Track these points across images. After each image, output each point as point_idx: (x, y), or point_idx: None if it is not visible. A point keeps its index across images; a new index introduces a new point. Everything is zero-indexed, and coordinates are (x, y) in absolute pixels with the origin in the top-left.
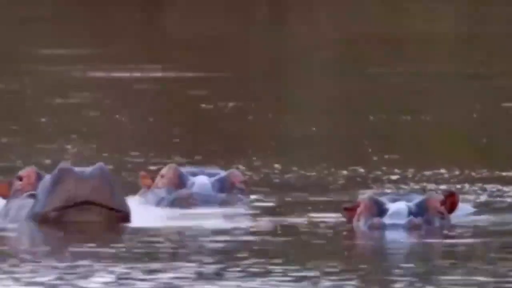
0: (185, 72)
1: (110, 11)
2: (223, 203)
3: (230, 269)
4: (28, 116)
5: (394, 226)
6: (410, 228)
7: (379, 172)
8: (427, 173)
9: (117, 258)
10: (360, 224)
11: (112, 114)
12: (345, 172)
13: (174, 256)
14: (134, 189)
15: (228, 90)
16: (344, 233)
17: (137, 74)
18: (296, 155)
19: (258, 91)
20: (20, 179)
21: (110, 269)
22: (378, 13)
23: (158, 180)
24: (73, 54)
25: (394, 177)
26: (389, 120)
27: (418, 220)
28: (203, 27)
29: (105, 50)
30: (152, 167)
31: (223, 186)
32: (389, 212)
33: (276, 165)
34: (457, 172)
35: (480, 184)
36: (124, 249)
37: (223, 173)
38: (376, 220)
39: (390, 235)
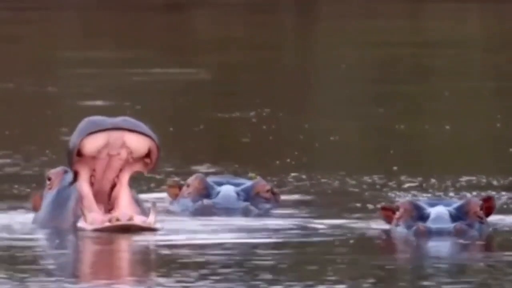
0: (209, 77)
1: (135, 15)
2: (246, 213)
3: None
4: (54, 121)
5: (440, 231)
6: (456, 233)
7: (400, 180)
8: (449, 182)
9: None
10: (400, 228)
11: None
12: (367, 179)
13: (194, 269)
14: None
15: (254, 97)
16: (376, 242)
17: (160, 78)
18: (318, 163)
19: (284, 98)
20: (49, 179)
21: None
22: (404, 21)
23: (184, 189)
24: (98, 58)
25: (414, 185)
26: (412, 128)
27: (464, 226)
28: (229, 31)
29: (128, 54)
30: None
31: (248, 195)
32: (432, 217)
33: (297, 174)
34: (483, 180)
35: (504, 193)
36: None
37: (249, 183)
38: (421, 225)
39: (429, 241)
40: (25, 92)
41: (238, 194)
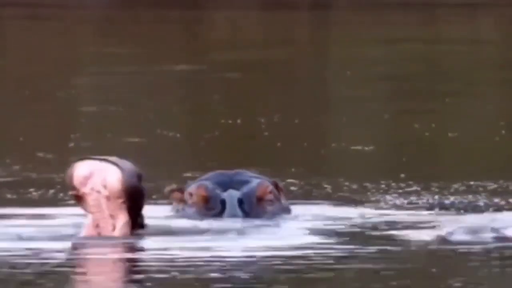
0: (223, 78)
1: (149, 13)
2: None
3: None
4: (70, 116)
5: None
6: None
7: (421, 185)
8: (473, 186)
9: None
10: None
11: (151, 130)
12: (382, 185)
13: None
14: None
15: (270, 99)
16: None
17: (173, 76)
18: (334, 169)
19: (301, 101)
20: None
21: None
22: (418, 23)
23: (188, 197)
24: (112, 55)
25: (435, 190)
26: (434, 132)
27: None
28: (244, 31)
29: (142, 51)
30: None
31: (251, 201)
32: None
33: (313, 179)
34: (496, 186)
35: None
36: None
37: (252, 184)
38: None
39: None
40: (43, 91)
41: (241, 201)
